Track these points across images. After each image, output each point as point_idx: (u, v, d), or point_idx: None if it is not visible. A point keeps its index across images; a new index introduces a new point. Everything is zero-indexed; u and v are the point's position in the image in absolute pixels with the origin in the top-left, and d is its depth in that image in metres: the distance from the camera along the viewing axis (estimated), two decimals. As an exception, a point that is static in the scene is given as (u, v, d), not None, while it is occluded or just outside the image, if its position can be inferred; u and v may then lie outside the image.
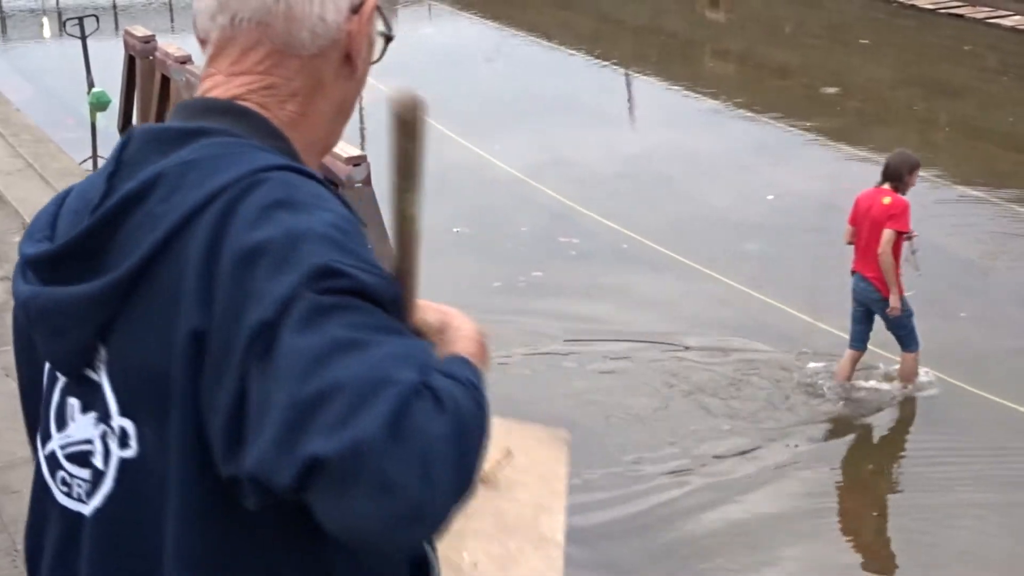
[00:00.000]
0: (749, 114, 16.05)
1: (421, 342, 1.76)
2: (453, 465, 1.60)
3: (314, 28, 1.93)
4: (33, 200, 10.52)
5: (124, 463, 1.81)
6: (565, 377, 9.48)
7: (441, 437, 1.60)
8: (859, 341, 9.13)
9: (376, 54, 2.08)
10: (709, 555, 7.48)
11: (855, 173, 13.81)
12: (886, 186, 8.98)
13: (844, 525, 7.87)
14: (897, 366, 9.23)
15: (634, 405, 9.05)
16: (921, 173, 12.37)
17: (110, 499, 1.82)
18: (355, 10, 1.97)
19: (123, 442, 1.80)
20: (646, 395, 9.17)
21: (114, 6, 24.97)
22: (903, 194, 8.91)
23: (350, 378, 1.58)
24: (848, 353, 9.15)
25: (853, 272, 9.12)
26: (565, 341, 9.96)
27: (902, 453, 8.65)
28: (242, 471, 1.62)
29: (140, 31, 15.69)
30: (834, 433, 8.72)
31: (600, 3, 24.20)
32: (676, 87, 17.67)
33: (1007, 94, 17.03)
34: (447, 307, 1.95)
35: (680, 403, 9.07)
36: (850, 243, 9.16)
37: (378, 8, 2.05)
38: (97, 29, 16.46)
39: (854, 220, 9.10)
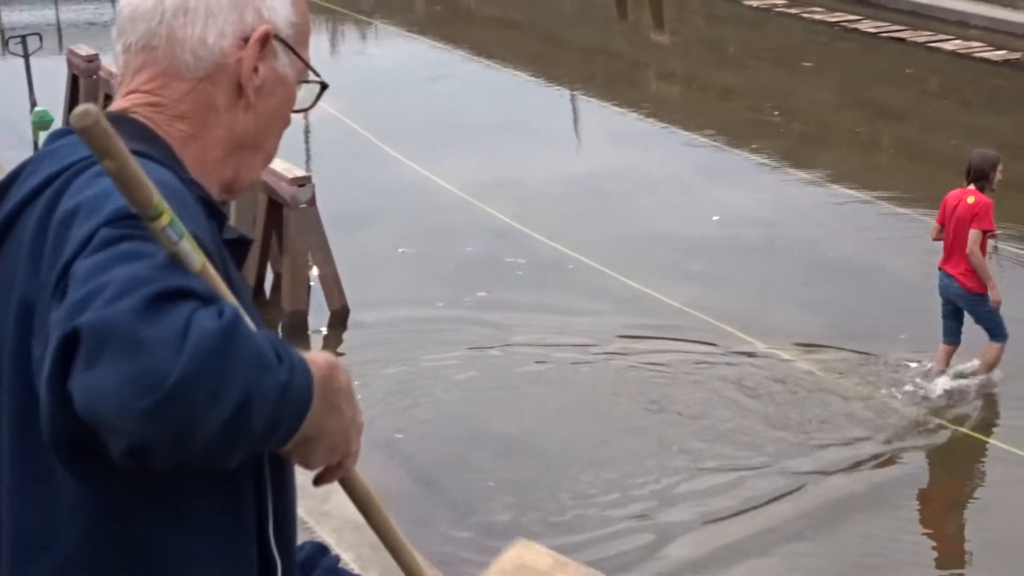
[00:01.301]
0: (693, 135, 16.12)
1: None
2: (214, 362, 1.56)
3: (196, 50, 1.97)
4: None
5: None
6: (519, 396, 9.47)
7: (210, 331, 1.57)
8: (951, 336, 9.50)
9: (307, 100, 2.11)
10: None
11: (799, 195, 13.90)
12: (971, 187, 9.33)
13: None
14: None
15: (595, 426, 9.06)
16: (862, 196, 12.47)
17: None
18: (247, 39, 1.99)
19: None
20: (606, 418, 9.17)
21: (58, 25, 24.80)
22: (989, 191, 9.31)
23: (122, 274, 1.60)
24: (942, 348, 9.50)
25: (940, 269, 9.50)
26: (513, 358, 9.96)
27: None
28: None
29: (84, 50, 15.60)
30: (838, 456, 8.70)
31: (545, 24, 24.25)
32: (621, 108, 17.72)
33: (949, 117, 17.19)
34: None
35: (649, 421, 9.07)
36: (936, 240, 9.53)
37: (293, 51, 2.06)
38: (40, 48, 16.31)
39: (941, 219, 9.48)
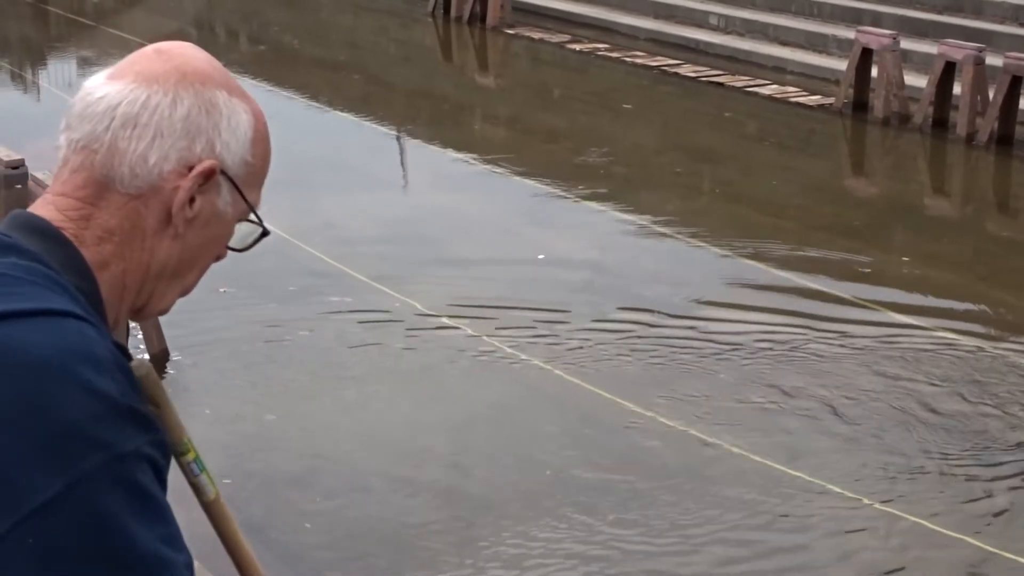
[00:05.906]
0: (518, 177, 16.22)
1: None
2: None
3: (134, 166, 1.92)
4: None
5: None
6: (352, 431, 9.40)
7: None
8: None
9: (244, 240, 2.09)
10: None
11: (621, 236, 14.06)
12: None
13: None
14: None
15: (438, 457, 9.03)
16: (683, 237, 12.68)
17: None
18: (191, 168, 1.94)
19: None
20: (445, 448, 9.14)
21: None
22: None
23: None
24: None
25: None
26: (338, 394, 9.88)
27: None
28: None
29: (5, 153, 14.99)
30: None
31: (370, 66, 24.24)
32: (446, 150, 17.76)
33: (766, 160, 17.58)
34: None
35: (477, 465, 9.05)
36: None
37: (239, 191, 2.01)
38: None
39: None
